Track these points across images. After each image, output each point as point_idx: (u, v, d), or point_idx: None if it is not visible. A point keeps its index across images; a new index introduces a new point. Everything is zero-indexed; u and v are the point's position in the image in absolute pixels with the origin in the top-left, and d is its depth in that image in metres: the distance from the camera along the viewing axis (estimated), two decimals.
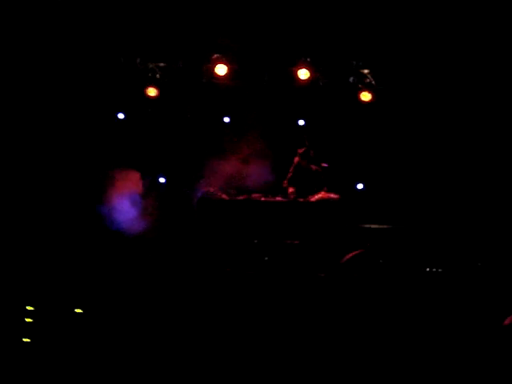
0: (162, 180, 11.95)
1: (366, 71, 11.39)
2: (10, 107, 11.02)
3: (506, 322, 8.33)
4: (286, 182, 11.55)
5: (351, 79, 11.41)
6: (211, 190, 11.31)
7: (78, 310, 8.73)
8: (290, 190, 11.48)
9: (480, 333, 8.26)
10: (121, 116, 11.90)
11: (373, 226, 10.95)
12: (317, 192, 11.35)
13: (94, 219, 10.83)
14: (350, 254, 9.80)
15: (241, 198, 11.39)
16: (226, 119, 12.19)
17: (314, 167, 11.61)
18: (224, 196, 11.33)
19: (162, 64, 11.56)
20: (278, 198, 11.40)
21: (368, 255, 9.86)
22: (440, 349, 8.16)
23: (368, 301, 9.06)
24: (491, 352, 7.77)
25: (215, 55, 11.36)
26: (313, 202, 11.23)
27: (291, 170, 11.58)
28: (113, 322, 8.66)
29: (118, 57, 11.26)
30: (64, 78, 11.34)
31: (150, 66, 11.50)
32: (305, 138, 11.61)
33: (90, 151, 11.48)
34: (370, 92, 11.37)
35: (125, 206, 10.99)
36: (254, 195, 11.38)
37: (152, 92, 11.59)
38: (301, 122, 12.10)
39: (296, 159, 11.61)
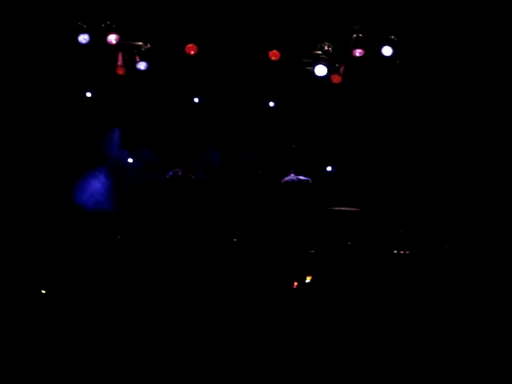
0: (130, 160, 11.83)
1: (336, 53, 11.36)
2: None
3: None
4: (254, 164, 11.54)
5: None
6: (179, 170, 11.25)
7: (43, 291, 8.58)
8: (259, 171, 11.49)
9: (447, 314, 8.34)
10: (88, 94, 11.74)
11: (342, 209, 10.99)
12: (287, 174, 11.36)
13: (66, 200, 10.72)
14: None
15: (210, 178, 11.35)
16: (196, 99, 12.10)
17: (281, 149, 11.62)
18: (193, 176, 11.28)
19: (133, 43, 11.41)
20: (248, 180, 11.38)
21: (335, 239, 9.97)
22: (407, 331, 8.21)
23: (336, 283, 9.10)
24: (458, 334, 7.86)
25: (186, 34, 11.24)
26: (283, 183, 11.24)
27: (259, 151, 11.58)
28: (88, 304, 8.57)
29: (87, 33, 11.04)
30: (29, 55, 11.13)
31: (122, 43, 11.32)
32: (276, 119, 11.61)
33: (59, 130, 11.32)
34: (340, 75, 11.35)
35: (94, 185, 10.90)
36: (223, 177, 11.35)
37: (121, 71, 11.43)
38: (271, 104, 12.05)
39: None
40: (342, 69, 11.27)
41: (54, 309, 8.25)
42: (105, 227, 10.25)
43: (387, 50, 10.99)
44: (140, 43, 11.34)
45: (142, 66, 11.36)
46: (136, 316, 8.18)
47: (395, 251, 10.05)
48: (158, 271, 9.19)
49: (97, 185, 10.93)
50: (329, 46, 11.19)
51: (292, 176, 11.19)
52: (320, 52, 11.25)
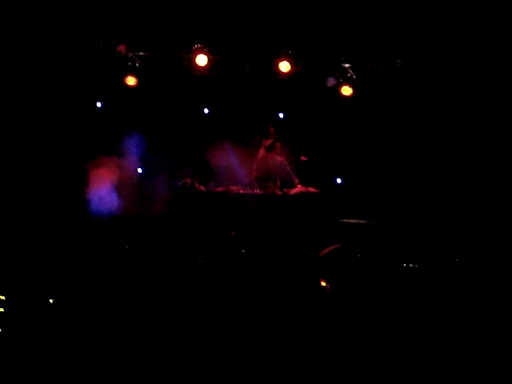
0: (139, 170, 11.82)
1: (347, 65, 11.36)
2: None
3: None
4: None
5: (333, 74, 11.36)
6: (189, 180, 11.24)
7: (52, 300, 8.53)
8: (270, 183, 11.45)
9: (456, 328, 8.27)
10: (99, 105, 11.77)
11: (351, 221, 10.93)
12: (295, 185, 11.34)
13: (75, 206, 10.74)
14: (328, 249, 9.77)
15: (219, 189, 11.33)
16: (206, 110, 12.11)
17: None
18: (202, 187, 11.27)
19: (141, 53, 11.44)
20: (257, 191, 11.34)
21: (345, 250, 9.85)
22: (416, 343, 8.15)
23: (345, 295, 9.03)
24: (467, 346, 7.79)
25: (196, 45, 11.26)
26: (291, 195, 11.20)
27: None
28: (88, 309, 8.55)
29: (98, 44, 11.09)
30: (41, 66, 11.19)
31: (130, 54, 11.37)
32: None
33: (68, 140, 11.36)
34: (350, 86, 11.33)
35: (104, 194, 10.91)
36: (233, 187, 11.32)
37: (131, 81, 11.46)
38: (281, 115, 12.05)
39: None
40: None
41: (57, 316, 8.24)
42: (113, 236, 10.24)
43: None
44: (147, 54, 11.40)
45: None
46: (141, 327, 8.16)
47: (405, 264, 9.97)
48: (164, 281, 9.16)
49: (105, 191, 10.95)
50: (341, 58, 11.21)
51: (300, 187, 11.16)
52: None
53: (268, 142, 11.55)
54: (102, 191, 10.87)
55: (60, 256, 9.46)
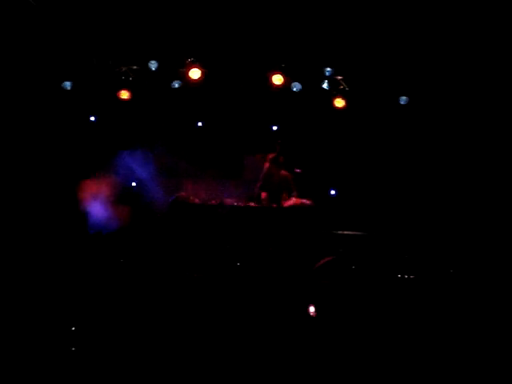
0: (133, 184, 11.82)
1: (339, 77, 11.40)
2: None
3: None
4: (257, 187, 11.53)
5: (325, 85, 11.39)
6: (183, 193, 11.25)
7: None
8: (263, 195, 11.46)
9: (452, 338, 8.26)
10: (92, 119, 11.78)
11: (345, 233, 10.94)
12: (289, 198, 11.34)
13: (69, 221, 10.74)
14: (323, 261, 9.77)
15: (213, 202, 11.34)
16: (199, 124, 12.13)
17: (284, 173, 11.61)
18: (196, 200, 11.27)
19: (135, 67, 11.47)
20: (251, 204, 11.35)
21: (340, 261, 9.84)
22: (412, 354, 8.13)
23: (340, 307, 9.03)
24: (462, 356, 7.78)
25: (189, 59, 11.30)
26: (286, 207, 11.21)
27: (261, 175, 11.57)
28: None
29: (91, 58, 11.12)
30: (35, 80, 11.20)
31: (123, 68, 11.39)
32: (277, 144, 11.60)
33: (62, 154, 11.37)
34: (343, 98, 11.37)
35: (97, 209, 10.91)
36: (227, 200, 11.33)
37: (125, 95, 11.48)
38: (274, 128, 12.08)
39: (266, 165, 11.60)
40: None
41: (54, 331, 8.21)
42: (107, 250, 10.23)
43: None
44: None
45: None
46: (137, 340, 8.14)
47: (399, 275, 9.97)
48: (160, 294, 9.14)
49: (100, 207, 10.96)
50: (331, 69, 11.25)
51: (294, 200, 11.17)
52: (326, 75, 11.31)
53: (273, 156, 11.62)
54: (97, 206, 10.87)
55: (56, 271, 9.44)
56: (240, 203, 11.31)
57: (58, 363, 7.58)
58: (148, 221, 11.00)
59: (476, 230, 10.60)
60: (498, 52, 10.57)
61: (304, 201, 11.21)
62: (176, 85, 11.35)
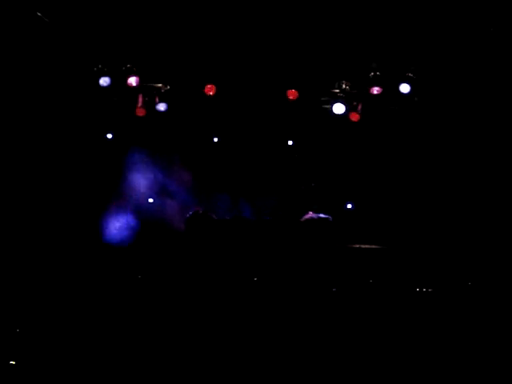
0: (150, 200, 11.89)
1: (354, 91, 11.42)
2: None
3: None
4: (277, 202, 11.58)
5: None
6: (200, 209, 11.28)
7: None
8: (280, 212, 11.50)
9: (470, 352, 8.22)
10: (109, 136, 11.88)
11: (362, 246, 10.91)
12: (306, 212, 11.35)
13: (87, 236, 10.84)
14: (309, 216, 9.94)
15: (230, 217, 11.37)
16: (215, 139, 12.18)
17: (302, 187, 11.64)
18: (213, 216, 11.30)
19: (152, 84, 11.57)
20: (267, 218, 11.37)
21: (356, 275, 9.87)
22: (429, 368, 8.10)
23: (359, 320, 9.01)
24: (480, 369, 7.74)
25: (204, 75, 11.38)
26: (302, 221, 11.21)
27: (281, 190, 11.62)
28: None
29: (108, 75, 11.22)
30: (53, 97, 11.33)
31: (141, 85, 11.49)
32: (295, 158, 11.64)
33: (79, 171, 11.47)
34: (358, 112, 11.39)
35: (117, 221, 11.03)
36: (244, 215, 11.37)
37: (141, 112, 11.57)
38: (289, 142, 12.10)
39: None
40: (359, 107, 11.32)
41: (63, 347, 8.27)
42: (125, 265, 10.28)
43: (405, 88, 11.04)
44: (160, 85, 11.50)
45: (161, 107, 11.51)
46: (151, 355, 8.17)
47: (418, 289, 9.93)
48: (176, 310, 9.17)
49: (120, 221, 11.05)
50: (346, 84, 11.27)
51: (311, 214, 11.17)
52: (338, 90, 11.33)
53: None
54: (115, 221, 10.97)
55: (72, 287, 9.50)
56: (256, 218, 11.33)
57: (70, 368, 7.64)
58: (165, 237, 11.05)
59: (493, 244, 10.55)
60: (497, 53, 10.57)
61: (321, 215, 11.20)
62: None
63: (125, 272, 10.01)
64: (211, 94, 11.41)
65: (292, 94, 11.32)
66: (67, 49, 11.06)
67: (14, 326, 8.35)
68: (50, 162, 11.35)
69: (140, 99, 11.40)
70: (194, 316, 9.07)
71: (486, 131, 11.00)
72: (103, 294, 9.35)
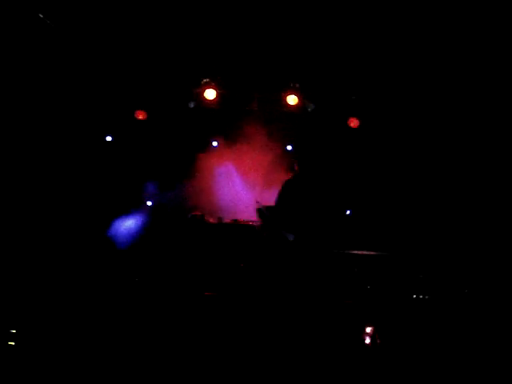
0: (149, 203, 11.91)
1: (353, 98, 11.46)
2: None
3: None
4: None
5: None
6: (198, 213, 11.29)
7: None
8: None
9: (467, 360, 8.21)
10: (109, 138, 11.90)
11: (360, 253, 10.92)
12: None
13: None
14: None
15: (227, 221, 11.38)
16: (215, 143, 12.21)
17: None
18: (211, 220, 11.31)
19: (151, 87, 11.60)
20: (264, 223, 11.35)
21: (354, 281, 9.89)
22: (428, 374, 8.09)
23: (355, 327, 9.01)
24: (478, 377, 7.73)
25: (204, 79, 11.39)
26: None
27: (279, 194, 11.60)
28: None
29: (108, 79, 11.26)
30: (52, 101, 11.35)
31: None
32: (294, 164, 11.64)
33: (78, 173, 11.49)
34: (357, 118, 11.43)
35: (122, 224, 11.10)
36: (241, 219, 11.36)
37: (141, 115, 11.60)
38: (289, 148, 12.13)
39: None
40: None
41: (63, 350, 8.26)
42: (123, 268, 10.30)
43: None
44: None
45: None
46: (149, 358, 8.15)
47: (415, 296, 9.94)
48: (175, 313, 9.17)
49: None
50: None
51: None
52: None
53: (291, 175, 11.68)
54: (118, 224, 11.02)
55: (71, 288, 9.51)
56: (254, 222, 11.33)
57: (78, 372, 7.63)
58: (164, 239, 11.06)
59: (492, 251, 10.56)
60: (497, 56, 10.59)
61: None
62: (192, 105, 11.43)
63: (122, 275, 10.03)
64: (210, 98, 11.43)
65: (292, 100, 11.33)
66: (67, 50, 11.09)
67: (13, 326, 8.35)
68: (50, 161, 11.38)
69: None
70: (193, 318, 9.08)
71: (484, 140, 11.03)
72: (102, 296, 9.36)
